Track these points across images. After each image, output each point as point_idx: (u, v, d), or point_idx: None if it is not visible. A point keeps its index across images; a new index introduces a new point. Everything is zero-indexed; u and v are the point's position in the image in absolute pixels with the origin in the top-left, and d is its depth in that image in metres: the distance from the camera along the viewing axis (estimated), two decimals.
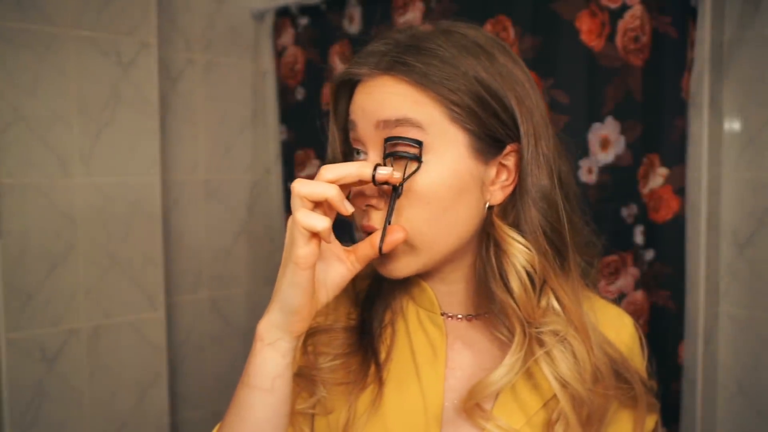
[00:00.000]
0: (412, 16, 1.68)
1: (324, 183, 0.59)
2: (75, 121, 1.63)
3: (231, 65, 2.06)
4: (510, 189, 0.69)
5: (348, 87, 0.71)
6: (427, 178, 0.65)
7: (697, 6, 1.37)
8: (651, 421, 0.74)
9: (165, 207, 1.86)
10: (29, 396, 1.57)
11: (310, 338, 0.76)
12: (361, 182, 0.64)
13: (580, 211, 0.75)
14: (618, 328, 0.74)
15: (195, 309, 2.00)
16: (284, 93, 2.05)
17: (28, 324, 1.57)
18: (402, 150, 0.64)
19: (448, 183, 0.65)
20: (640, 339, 0.76)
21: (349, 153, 0.73)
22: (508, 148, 0.68)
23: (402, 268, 0.68)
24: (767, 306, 1.42)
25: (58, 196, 1.61)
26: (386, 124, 0.65)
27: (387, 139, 0.65)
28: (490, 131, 0.66)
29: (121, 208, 1.71)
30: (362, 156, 0.69)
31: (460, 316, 0.74)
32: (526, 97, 0.68)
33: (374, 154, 0.67)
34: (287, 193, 2.08)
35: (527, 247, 0.67)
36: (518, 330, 0.68)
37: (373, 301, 0.77)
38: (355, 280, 0.79)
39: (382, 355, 0.73)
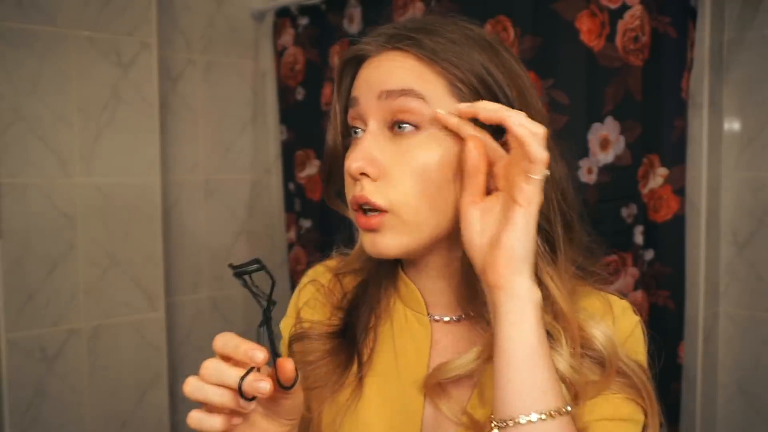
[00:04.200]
0: (412, 16, 1.68)
1: (218, 388, 0.57)
2: (75, 121, 1.63)
3: (231, 65, 2.06)
4: None
5: (353, 65, 0.71)
6: (425, 153, 0.64)
7: (696, 6, 1.37)
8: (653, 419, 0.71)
9: (165, 207, 1.86)
10: (29, 396, 1.57)
11: (295, 343, 0.76)
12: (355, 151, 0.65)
13: (579, 215, 0.73)
14: (617, 317, 0.72)
15: (195, 309, 2.00)
16: (284, 93, 2.06)
17: (28, 324, 1.57)
18: (404, 119, 0.65)
19: (445, 160, 0.65)
20: (642, 329, 0.73)
21: (347, 134, 0.72)
22: (506, 137, 0.68)
23: (389, 244, 0.66)
24: (767, 306, 1.42)
25: (58, 196, 1.61)
26: (390, 94, 0.65)
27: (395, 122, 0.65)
28: None
29: (121, 208, 1.71)
30: (360, 133, 0.68)
31: (447, 318, 0.73)
32: (527, 93, 0.68)
33: (375, 125, 0.66)
34: (287, 193, 2.08)
35: None
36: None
37: (358, 303, 0.76)
38: (342, 279, 0.79)
39: (364, 357, 0.73)
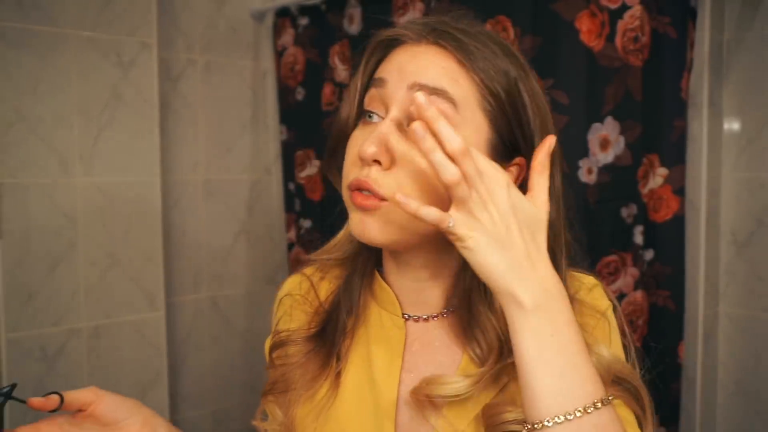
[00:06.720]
0: (412, 16, 1.68)
1: None
2: (75, 121, 1.63)
3: (231, 65, 2.06)
4: None
5: (383, 48, 0.69)
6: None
7: (696, 6, 1.37)
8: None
9: (165, 207, 1.86)
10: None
11: (275, 351, 0.76)
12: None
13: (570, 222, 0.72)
14: (586, 294, 0.72)
15: (195, 309, 2.00)
16: (284, 93, 2.06)
17: (28, 324, 1.57)
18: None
19: None
20: (611, 299, 0.73)
21: (358, 116, 0.70)
22: (517, 159, 0.67)
23: (378, 232, 0.64)
24: (766, 306, 1.42)
25: (58, 196, 1.61)
26: (422, 88, 0.63)
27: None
28: (510, 137, 0.66)
29: (121, 208, 1.71)
30: (375, 118, 0.66)
31: (425, 316, 0.72)
32: (549, 124, 0.68)
33: (396, 113, 0.64)
34: (287, 193, 2.08)
35: None
36: (495, 344, 0.65)
37: (335, 305, 0.75)
38: (319, 285, 0.78)
39: (340, 360, 0.73)
